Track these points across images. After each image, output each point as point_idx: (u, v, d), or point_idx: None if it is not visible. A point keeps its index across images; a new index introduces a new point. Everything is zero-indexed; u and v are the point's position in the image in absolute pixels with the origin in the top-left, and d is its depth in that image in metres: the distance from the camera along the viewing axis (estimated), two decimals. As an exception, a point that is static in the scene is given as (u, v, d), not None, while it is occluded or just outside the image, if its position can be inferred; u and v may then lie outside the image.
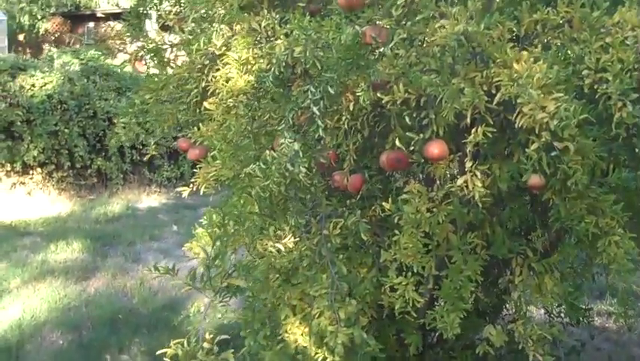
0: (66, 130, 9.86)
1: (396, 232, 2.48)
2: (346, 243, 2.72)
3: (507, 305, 3.42)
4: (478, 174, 2.30)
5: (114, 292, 6.30)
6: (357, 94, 2.37)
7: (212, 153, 2.87)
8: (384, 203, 2.61)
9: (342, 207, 2.76)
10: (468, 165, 2.32)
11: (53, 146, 9.83)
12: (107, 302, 6.01)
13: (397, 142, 2.44)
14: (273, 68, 2.46)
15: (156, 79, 3.23)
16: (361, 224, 2.57)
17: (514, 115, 2.09)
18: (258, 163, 2.29)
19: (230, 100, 2.69)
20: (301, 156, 2.27)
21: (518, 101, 2.05)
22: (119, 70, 10.78)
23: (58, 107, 9.83)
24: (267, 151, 2.32)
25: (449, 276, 2.64)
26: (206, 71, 2.94)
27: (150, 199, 10.51)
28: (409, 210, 2.43)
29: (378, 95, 2.36)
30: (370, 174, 2.84)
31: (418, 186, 2.48)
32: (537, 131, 2.06)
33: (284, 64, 2.45)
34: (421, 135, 2.36)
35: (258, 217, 2.41)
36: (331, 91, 2.29)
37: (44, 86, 9.81)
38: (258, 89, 2.68)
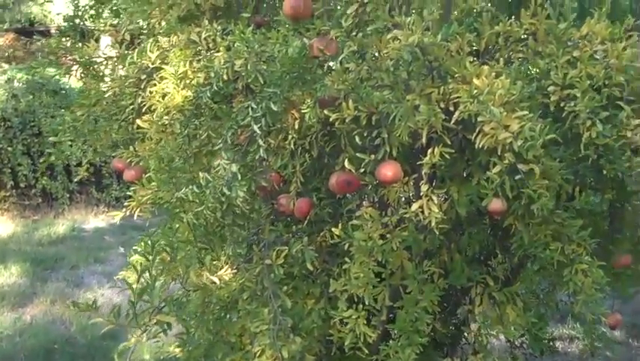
0: (9, 148, 9.52)
1: (347, 260, 2.35)
2: (292, 272, 2.55)
3: (466, 336, 3.27)
4: (434, 198, 2.20)
5: (52, 320, 5.97)
6: (303, 111, 2.20)
7: (147, 175, 2.67)
8: (333, 229, 2.46)
9: (288, 233, 2.58)
10: (424, 188, 2.21)
11: (-5, 165, 9.51)
12: (43, 331, 5.68)
13: (347, 163, 2.28)
14: (211, 83, 2.29)
15: (89, 94, 3.01)
16: (307, 252, 2.39)
17: (474, 134, 1.98)
18: (191, 187, 2.10)
19: (166, 117, 2.49)
20: (240, 178, 2.08)
21: (479, 119, 1.94)
22: (68, 86, 10.49)
23: (1, 124, 9.50)
24: (201, 174, 2.12)
25: (404, 307, 2.50)
26: (142, 87, 2.75)
27: (97, 220, 10.18)
28: (361, 236, 2.31)
29: (326, 112, 2.20)
30: (319, 197, 2.66)
31: (370, 210, 2.35)
32: (499, 153, 1.95)
33: (224, 78, 2.27)
34: (373, 156, 2.22)
35: (192, 246, 2.20)
36: (274, 107, 2.11)
37: (-14, 102, 9.50)
38: (197, 106, 2.49)
